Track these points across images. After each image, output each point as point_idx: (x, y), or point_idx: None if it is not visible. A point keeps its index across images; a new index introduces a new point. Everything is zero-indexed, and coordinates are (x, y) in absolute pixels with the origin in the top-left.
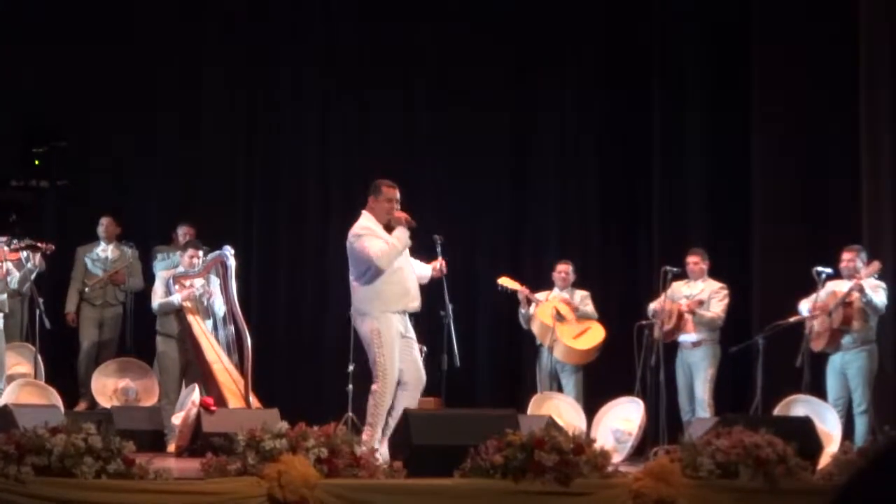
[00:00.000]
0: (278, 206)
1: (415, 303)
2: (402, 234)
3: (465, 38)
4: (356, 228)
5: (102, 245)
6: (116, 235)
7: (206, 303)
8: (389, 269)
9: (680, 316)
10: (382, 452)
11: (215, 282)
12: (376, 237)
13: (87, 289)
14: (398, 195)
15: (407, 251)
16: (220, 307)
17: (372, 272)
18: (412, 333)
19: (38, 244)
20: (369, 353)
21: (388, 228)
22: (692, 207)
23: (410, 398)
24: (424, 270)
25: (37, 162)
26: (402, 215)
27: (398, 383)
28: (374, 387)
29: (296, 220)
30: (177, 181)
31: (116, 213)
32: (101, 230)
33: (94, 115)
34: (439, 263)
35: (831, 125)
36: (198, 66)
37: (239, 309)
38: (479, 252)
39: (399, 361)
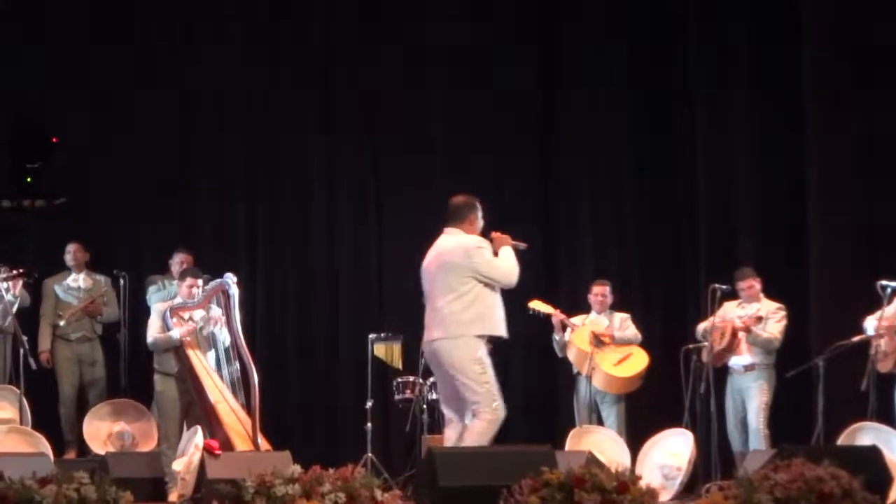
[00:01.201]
0: (283, 230)
1: (504, 331)
2: (514, 258)
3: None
4: (474, 241)
5: (73, 274)
6: (85, 263)
7: (206, 333)
8: (497, 291)
9: (734, 335)
10: None
11: (217, 312)
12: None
13: (62, 322)
14: None
15: None
16: (225, 337)
17: (480, 292)
18: None
19: (18, 270)
20: (461, 387)
21: None
22: (742, 219)
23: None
24: None
25: (29, 179)
26: (506, 236)
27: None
28: (489, 417)
29: (303, 244)
30: (173, 203)
31: (83, 239)
32: (69, 258)
33: (78, 132)
34: None
35: (891, 134)
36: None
37: (244, 342)
38: None
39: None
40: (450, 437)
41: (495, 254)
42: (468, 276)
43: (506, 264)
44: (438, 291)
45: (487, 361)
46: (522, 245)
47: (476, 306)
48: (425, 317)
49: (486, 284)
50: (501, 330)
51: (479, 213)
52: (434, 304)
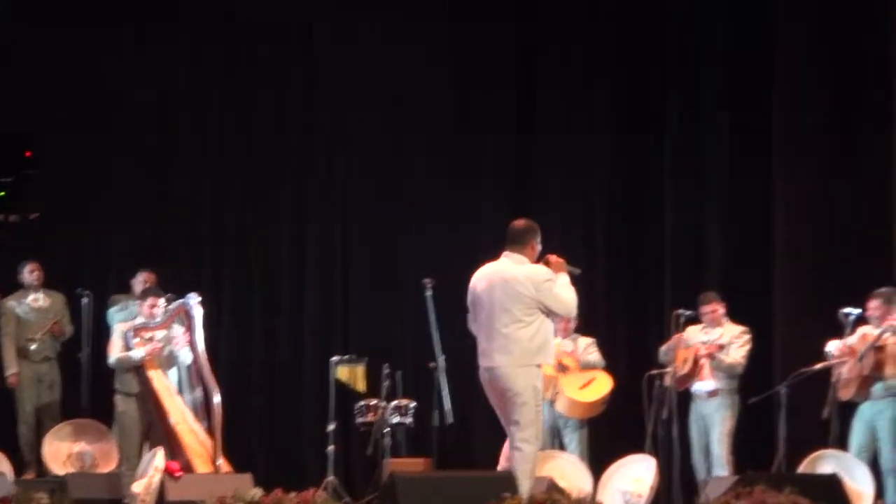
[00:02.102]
0: (249, 249)
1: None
2: (572, 288)
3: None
4: (540, 272)
5: (32, 294)
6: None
7: (167, 353)
8: (551, 320)
9: (696, 361)
10: None
11: (179, 332)
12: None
13: (33, 346)
14: None
15: None
16: (186, 357)
17: (543, 321)
18: None
19: None
20: (520, 408)
21: None
22: (708, 245)
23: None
24: None
25: (2, 193)
26: (562, 261)
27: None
28: (526, 447)
29: (269, 265)
30: (137, 223)
31: (44, 257)
32: (30, 277)
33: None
34: None
35: (858, 160)
36: (168, 107)
37: (206, 362)
38: None
39: None
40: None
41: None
42: (535, 307)
43: (569, 297)
44: (502, 317)
45: (540, 391)
46: (577, 270)
47: (540, 335)
48: (481, 340)
49: (548, 314)
50: (553, 356)
51: (539, 238)
52: (496, 329)
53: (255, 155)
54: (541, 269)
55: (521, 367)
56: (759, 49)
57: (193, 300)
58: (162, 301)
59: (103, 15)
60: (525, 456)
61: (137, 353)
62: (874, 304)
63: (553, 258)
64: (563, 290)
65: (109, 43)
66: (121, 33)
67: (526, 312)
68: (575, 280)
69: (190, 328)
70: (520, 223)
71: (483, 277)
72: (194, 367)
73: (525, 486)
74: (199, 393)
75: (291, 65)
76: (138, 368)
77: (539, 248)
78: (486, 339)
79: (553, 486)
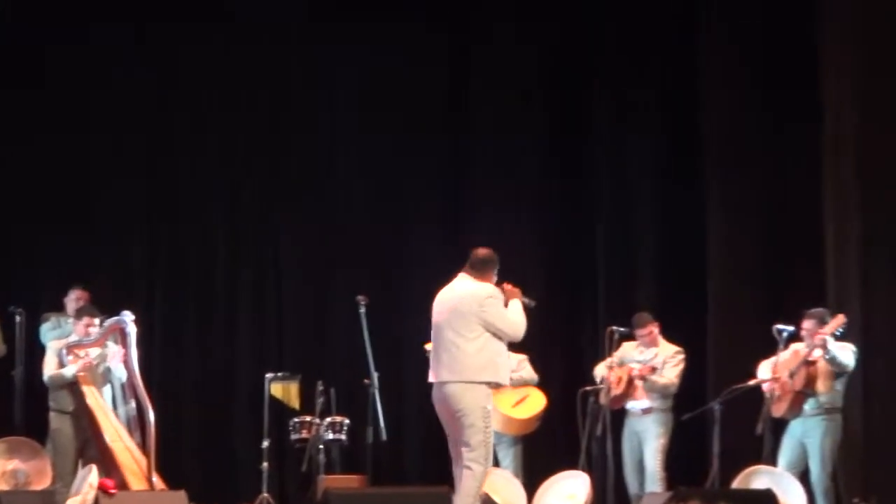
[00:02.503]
0: (182, 268)
1: (507, 379)
2: (522, 312)
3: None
4: (488, 290)
5: None
6: None
7: (101, 370)
8: (500, 340)
9: (630, 381)
10: None
11: (113, 349)
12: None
13: None
14: None
15: None
16: (121, 374)
17: (490, 339)
18: None
19: None
20: (467, 429)
21: None
22: (641, 262)
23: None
24: None
25: None
26: (517, 290)
27: None
28: (478, 470)
29: (202, 282)
30: (68, 240)
31: None
32: None
33: None
34: None
35: (791, 179)
36: (95, 121)
37: (140, 380)
38: (406, 314)
39: None
40: (458, 475)
41: (505, 305)
42: (477, 324)
43: (514, 318)
44: (448, 335)
45: (490, 412)
46: (532, 302)
47: (485, 353)
48: (432, 357)
49: (494, 334)
50: (504, 378)
51: (496, 271)
52: (444, 346)
53: (185, 175)
54: (485, 287)
55: (467, 386)
56: (688, 55)
57: (128, 318)
58: (97, 321)
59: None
60: (473, 475)
61: (70, 369)
62: (808, 325)
63: (508, 286)
64: (511, 312)
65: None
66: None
67: (468, 329)
68: (528, 311)
69: (124, 346)
70: (482, 252)
71: (438, 298)
72: (128, 384)
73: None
74: (132, 404)
75: (217, 83)
76: (73, 386)
77: (495, 279)
78: (435, 357)
79: (488, 502)
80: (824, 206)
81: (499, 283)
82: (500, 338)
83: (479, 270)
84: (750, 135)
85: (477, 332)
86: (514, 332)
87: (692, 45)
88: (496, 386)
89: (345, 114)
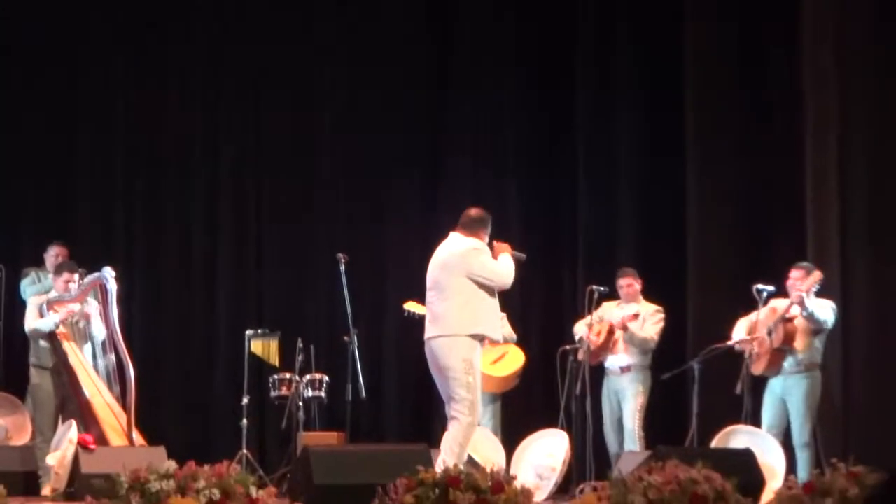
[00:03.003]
0: (162, 224)
1: (500, 335)
2: (511, 262)
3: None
4: (472, 243)
5: None
6: None
7: (82, 326)
8: (491, 294)
9: (610, 332)
10: None
11: (94, 305)
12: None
13: None
14: None
15: None
16: (99, 332)
17: (477, 292)
18: None
19: None
20: (451, 382)
21: None
22: (621, 222)
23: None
24: None
25: None
26: (506, 245)
27: None
28: (465, 421)
29: (182, 239)
30: (48, 196)
31: None
32: None
33: None
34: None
35: (772, 135)
36: (78, 77)
37: (120, 336)
38: (386, 273)
39: None
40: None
41: (495, 258)
42: (462, 277)
43: (500, 267)
44: (435, 290)
45: (477, 365)
46: (522, 256)
47: (470, 307)
48: (426, 314)
49: (481, 286)
50: (494, 333)
51: (489, 230)
52: (431, 302)
53: (166, 130)
54: (470, 241)
55: (451, 339)
56: (670, 27)
57: (109, 274)
58: (76, 276)
59: None
60: (458, 425)
61: (50, 320)
62: (795, 274)
63: (497, 242)
64: (499, 262)
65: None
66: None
67: (452, 283)
68: (519, 265)
69: (105, 302)
70: (474, 211)
71: (433, 257)
72: (108, 341)
73: (454, 458)
74: (112, 357)
75: (199, 37)
76: (53, 341)
77: (486, 239)
78: (428, 313)
79: (467, 460)
80: (805, 166)
81: (489, 243)
82: (489, 291)
83: (470, 229)
84: (731, 95)
85: (461, 286)
86: (500, 279)
87: (674, 11)
88: (481, 339)
89: (328, 70)
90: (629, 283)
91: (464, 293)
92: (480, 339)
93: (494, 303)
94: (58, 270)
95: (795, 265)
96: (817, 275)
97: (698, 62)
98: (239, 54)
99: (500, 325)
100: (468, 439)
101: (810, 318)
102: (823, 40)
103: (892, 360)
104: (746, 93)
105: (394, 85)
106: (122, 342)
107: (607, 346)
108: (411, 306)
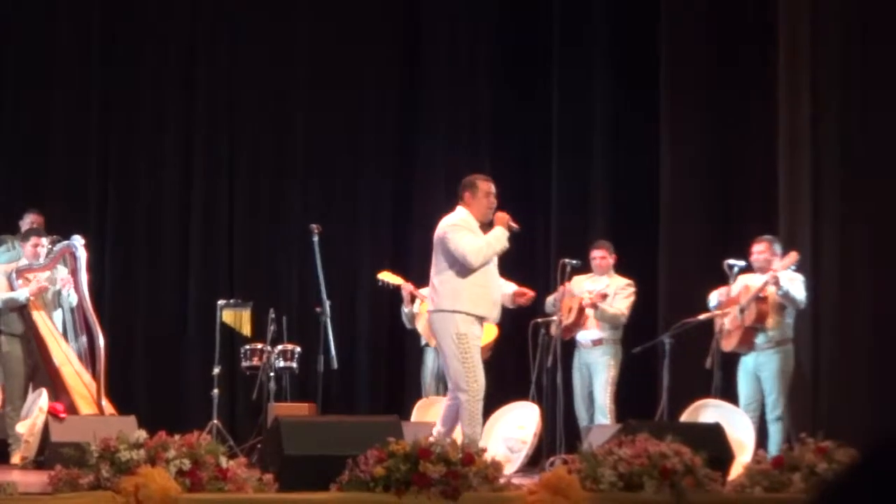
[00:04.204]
0: (134, 194)
1: (495, 312)
2: (501, 235)
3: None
4: (452, 219)
5: None
6: None
7: (51, 296)
8: (480, 270)
9: (581, 310)
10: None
11: (64, 273)
12: (472, 232)
13: None
14: (494, 188)
15: (496, 259)
16: (72, 299)
17: (457, 269)
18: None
19: None
20: (447, 358)
21: (487, 227)
22: (594, 197)
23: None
24: (507, 289)
25: None
26: (505, 216)
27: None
28: (462, 397)
29: (154, 209)
30: (22, 163)
31: None
32: None
33: None
34: (529, 293)
35: (745, 111)
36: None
37: (90, 305)
38: (359, 243)
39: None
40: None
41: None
42: (443, 254)
43: (470, 245)
44: (432, 264)
45: (470, 338)
46: (515, 227)
47: (451, 282)
48: None
49: (462, 262)
50: (479, 309)
51: (479, 192)
52: (430, 275)
53: (139, 102)
54: (450, 216)
55: (438, 315)
56: (645, 4)
57: (78, 242)
58: (45, 241)
59: None
60: (462, 406)
61: (23, 292)
62: (759, 248)
63: (497, 213)
64: (467, 238)
65: None
66: None
67: (437, 259)
68: (511, 236)
69: (74, 270)
70: (463, 179)
71: None
72: (78, 309)
73: (469, 433)
74: (84, 337)
75: (176, 12)
76: (23, 309)
77: (483, 200)
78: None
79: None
80: (777, 141)
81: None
82: (470, 267)
83: (460, 198)
84: (704, 71)
85: (444, 262)
86: (465, 260)
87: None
88: (471, 315)
89: (299, 42)
90: (602, 256)
91: (448, 270)
92: (475, 316)
93: (487, 279)
94: (25, 236)
95: (758, 238)
96: (794, 255)
97: (673, 38)
98: (213, 30)
99: (492, 301)
100: (474, 413)
101: (786, 297)
102: (798, 18)
103: (862, 335)
104: (720, 69)
105: (366, 60)
106: (91, 310)
107: (578, 322)
108: (386, 276)
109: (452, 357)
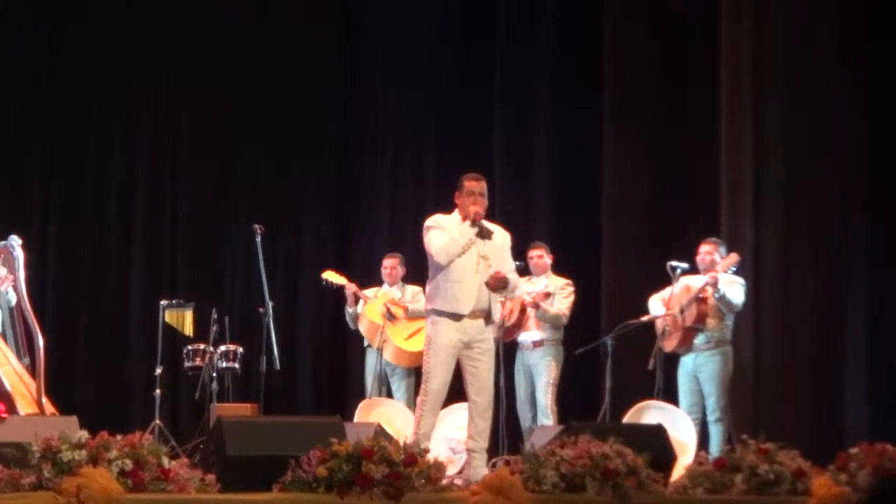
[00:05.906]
0: (77, 191)
1: (470, 305)
2: (465, 229)
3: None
4: (429, 220)
5: None
6: None
7: None
8: (454, 265)
9: (522, 311)
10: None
11: (2, 272)
12: (442, 230)
13: None
14: (481, 188)
15: (506, 253)
16: (10, 298)
17: (435, 268)
18: (483, 343)
19: None
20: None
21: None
22: (536, 198)
23: (478, 418)
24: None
25: None
26: (472, 209)
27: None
28: (420, 396)
29: (97, 207)
30: None
31: None
32: None
33: None
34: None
35: (688, 112)
36: None
37: (29, 305)
38: (303, 243)
39: (448, 372)
40: None
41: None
42: (427, 255)
43: (437, 243)
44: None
45: (439, 341)
46: (476, 218)
47: (434, 282)
48: None
49: (435, 260)
50: (452, 305)
51: (464, 191)
52: None
53: (83, 101)
54: (433, 218)
55: (427, 317)
56: (588, 5)
57: (15, 242)
58: None
59: None
60: (420, 403)
61: None
62: (706, 249)
63: (469, 207)
64: (436, 237)
65: None
66: None
67: (429, 263)
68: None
69: (12, 270)
70: None
71: None
72: (17, 309)
73: (417, 431)
74: (23, 336)
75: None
76: None
77: (467, 199)
78: None
79: (380, 432)
80: (721, 141)
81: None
82: (448, 265)
83: (456, 197)
84: (648, 71)
85: (429, 262)
86: (435, 258)
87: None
88: (450, 315)
89: (242, 38)
90: (539, 255)
91: (432, 269)
92: (448, 315)
93: (457, 273)
94: None
95: (705, 239)
96: (734, 257)
97: (617, 37)
98: (156, 39)
99: (467, 295)
100: (424, 413)
101: (722, 300)
102: (741, 18)
103: (802, 336)
104: (664, 68)
105: (311, 50)
106: (30, 310)
107: (520, 324)
108: (329, 276)
109: (427, 360)
